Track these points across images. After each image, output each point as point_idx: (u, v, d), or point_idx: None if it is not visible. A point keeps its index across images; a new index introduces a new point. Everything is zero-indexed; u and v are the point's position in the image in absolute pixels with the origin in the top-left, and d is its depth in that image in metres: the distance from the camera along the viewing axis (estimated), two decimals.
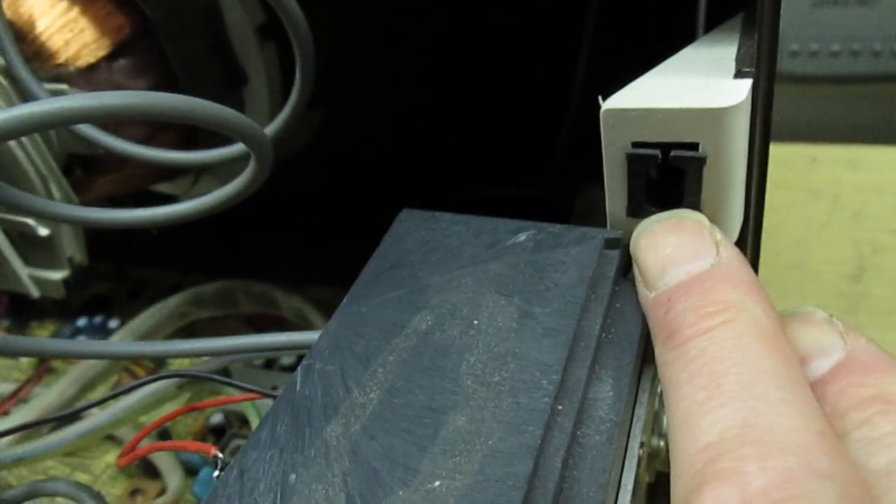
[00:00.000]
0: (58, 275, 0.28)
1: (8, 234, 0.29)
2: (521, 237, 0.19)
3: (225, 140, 0.30)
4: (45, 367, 0.41)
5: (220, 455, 0.19)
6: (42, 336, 0.46)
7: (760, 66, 0.18)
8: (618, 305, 0.18)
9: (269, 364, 0.40)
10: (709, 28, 0.25)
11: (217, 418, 0.38)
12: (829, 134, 0.63)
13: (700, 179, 0.18)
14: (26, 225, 0.27)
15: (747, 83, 0.17)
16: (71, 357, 0.28)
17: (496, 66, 0.39)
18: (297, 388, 0.16)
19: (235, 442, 0.36)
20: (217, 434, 0.38)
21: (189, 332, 0.44)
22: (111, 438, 0.38)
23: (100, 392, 0.42)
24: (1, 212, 0.27)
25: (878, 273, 0.49)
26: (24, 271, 0.29)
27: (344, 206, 0.44)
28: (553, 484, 0.14)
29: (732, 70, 0.18)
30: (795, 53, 0.67)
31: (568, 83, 0.39)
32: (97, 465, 0.38)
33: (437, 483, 0.13)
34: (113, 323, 0.46)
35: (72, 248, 0.28)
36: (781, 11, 0.18)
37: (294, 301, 0.37)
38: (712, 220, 0.19)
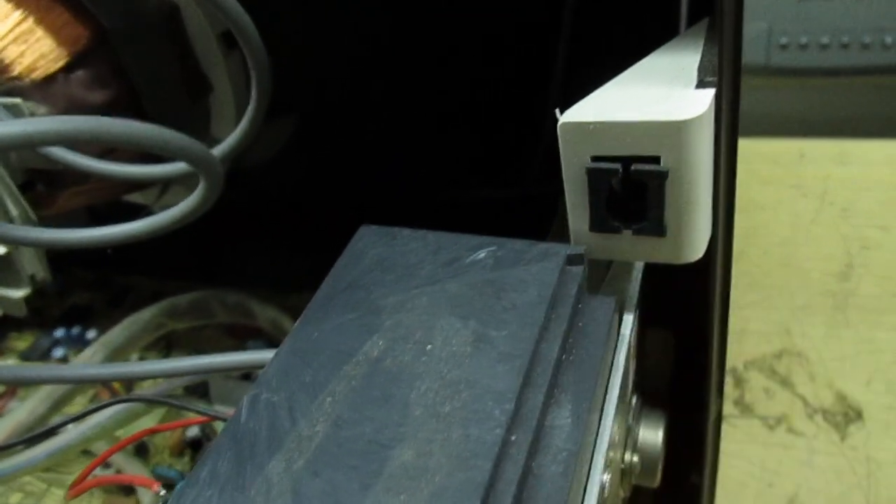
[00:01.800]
0: (18, 293, 0.28)
1: None
2: (481, 254, 0.19)
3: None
4: (13, 387, 0.40)
5: (163, 492, 0.19)
6: (21, 346, 0.45)
7: (723, 74, 0.17)
8: (580, 324, 0.18)
9: (248, 376, 0.39)
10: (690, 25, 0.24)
11: (193, 432, 0.37)
12: (817, 128, 0.62)
13: (663, 193, 0.17)
14: None
15: (709, 93, 0.17)
16: (37, 383, 0.27)
17: (477, 69, 0.39)
18: (242, 420, 0.15)
19: None
20: (194, 447, 0.37)
21: (167, 341, 0.44)
22: (87, 453, 0.38)
23: (75, 408, 0.41)
24: None
25: (866, 270, 0.49)
26: None
27: (325, 211, 0.44)
28: None
29: (694, 80, 0.17)
30: (784, 46, 0.66)
31: (548, 85, 0.39)
32: (71, 479, 0.38)
33: None
34: (91, 333, 0.45)
35: (32, 265, 0.27)
36: (770, 4, 0.17)
37: (269, 311, 0.37)
38: (677, 236, 0.18)
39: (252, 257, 0.46)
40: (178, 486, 0.35)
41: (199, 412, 0.20)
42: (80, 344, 0.45)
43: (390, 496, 0.13)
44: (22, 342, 0.47)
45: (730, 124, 0.18)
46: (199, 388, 0.39)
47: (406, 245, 0.19)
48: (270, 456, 0.14)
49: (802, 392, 0.42)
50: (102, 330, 0.46)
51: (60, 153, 0.26)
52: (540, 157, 0.43)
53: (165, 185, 0.33)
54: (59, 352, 0.44)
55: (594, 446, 0.16)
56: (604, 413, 0.17)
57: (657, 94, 0.17)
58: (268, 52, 0.24)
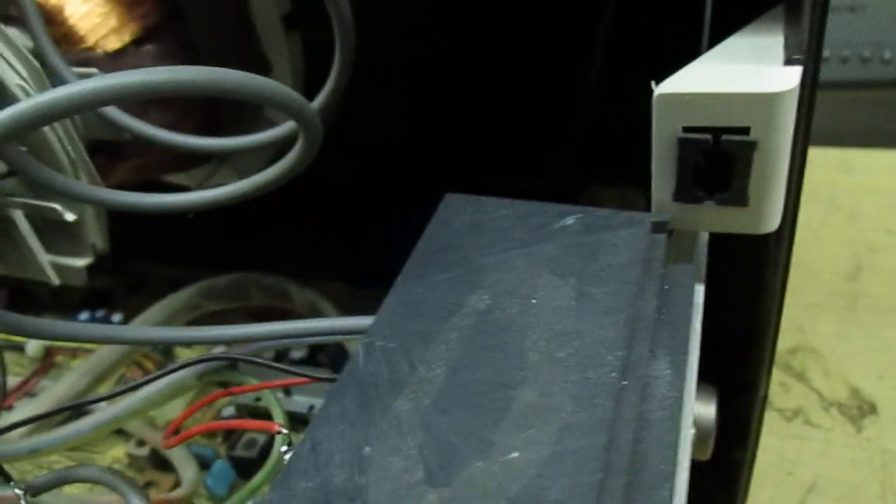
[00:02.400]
0: (81, 262, 0.28)
1: (30, 220, 0.28)
2: (569, 220, 0.19)
3: (247, 129, 0.30)
4: (49, 361, 0.40)
5: (285, 430, 0.19)
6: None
7: (809, 53, 0.18)
8: (667, 288, 0.18)
9: (279, 357, 0.40)
10: (714, 27, 0.25)
11: (228, 411, 0.38)
12: (821, 137, 0.64)
13: (750, 164, 0.18)
14: (52, 210, 0.26)
15: (797, 70, 0.18)
16: (97, 342, 0.27)
17: (507, 63, 0.40)
18: (361, 365, 0.16)
19: (248, 436, 0.36)
20: (228, 427, 0.37)
21: (196, 325, 0.44)
22: (118, 432, 0.38)
23: (108, 386, 0.41)
24: (28, 196, 0.27)
25: (875, 272, 0.50)
26: (45, 258, 0.28)
27: (349, 202, 0.44)
28: (626, 456, 0.14)
29: (780, 58, 0.18)
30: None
31: (579, 82, 0.39)
32: (103, 459, 0.38)
33: (514, 454, 0.14)
34: (116, 317, 0.45)
35: (95, 234, 0.28)
36: None
37: (307, 294, 0.37)
38: (757, 207, 0.19)
39: (273, 247, 0.47)
40: (214, 466, 0.35)
41: (295, 373, 0.20)
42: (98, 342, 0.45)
43: (520, 430, 0.14)
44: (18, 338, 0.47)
45: (808, 103, 0.19)
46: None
47: (494, 211, 0.20)
48: (395, 396, 0.15)
49: (817, 386, 0.44)
50: (127, 314, 0.46)
51: (130, 121, 0.26)
52: (563, 156, 0.43)
53: (214, 169, 0.33)
54: None
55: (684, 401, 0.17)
56: (688, 371, 0.18)
57: (747, 69, 0.18)
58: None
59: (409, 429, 0.14)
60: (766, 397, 0.27)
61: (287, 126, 0.27)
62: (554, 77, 0.41)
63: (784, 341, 0.44)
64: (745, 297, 0.25)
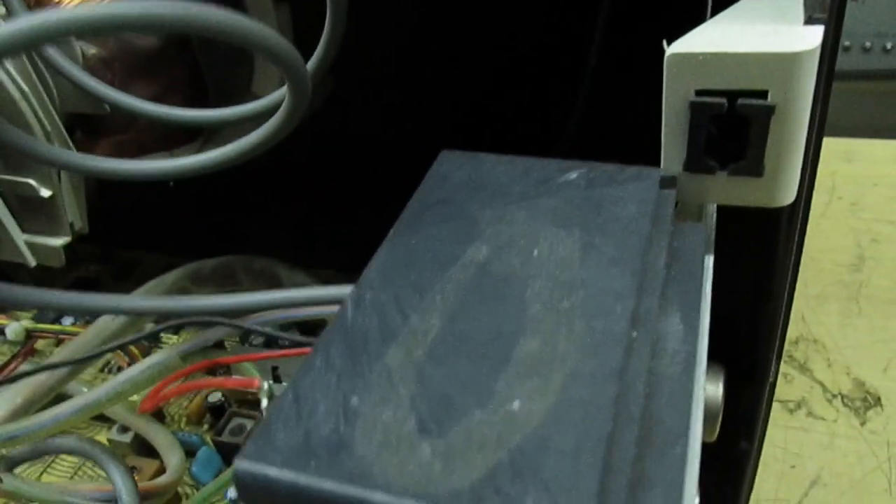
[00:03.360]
0: (58, 241, 0.27)
1: (4, 198, 0.27)
2: (573, 175, 0.18)
3: (235, 102, 0.29)
4: (30, 346, 0.39)
5: (265, 385, 0.18)
6: (24, 319, 0.44)
7: (831, 13, 0.17)
8: (675, 245, 0.17)
9: (269, 343, 0.38)
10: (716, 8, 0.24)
11: (215, 397, 0.36)
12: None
13: (766, 130, 0.17)
14: (27, 186, 0.25)
15: (819, 29, 0.17)
16: (89, 312, 0.26)
17: (503, 59, 0.38)
18: (349, 316, 0.15)
19: (236, 420, 0.35)
20: (216, 413, 0.36)
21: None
22: (98, 418, 0.36)
23: (89, 373, 0.40)
24: (1, 172, 0.25)
25: (878, 262, 0.49)
26: (20, 238, 0.27)
27: (339, 189, 0.43)
28: (637, 409, 0.13)
29: (800, 18, 0.17)
30: None
31: (575, 79, 0.38)
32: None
33: (516, 404, 0.12)
34: None
35: (73, 212, 0.26)
36: None
37: (297, 277, 0.36)
38: (773, 178, 0.18)
39: (262, 234, 0.46)
40: (200, 453, 0.33)
41: (298, 343, 0.19)
42: (90, 314, 0.43)
43: (522, 379, 0.13)
44: (25, 313, 0.45)
45: (828, 67, 0.18)
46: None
47: (493, 167, 0.19)
48: (386, 347, 0.14)
49: (821, 378, 0.42)
50: None
51: (111, 92, 0.25)
52: (563, 144, 0.42)
53: (200, 148, 0.32)
54: (67, 321, 0.43)
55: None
56: (701, 329, 0.17)
57: (765, 29, 0.17)
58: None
59: (400, 379, 0.13)
60: (774, 384, 0.26)
61: (273, 98, 0.26)
62: (550, 74, 0.40)
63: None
64: (754, 275, 0.24)
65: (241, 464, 0.12)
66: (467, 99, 0.40)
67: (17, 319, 0.40)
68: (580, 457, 0.11)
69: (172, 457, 0.31)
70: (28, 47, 0.16)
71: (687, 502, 0.12)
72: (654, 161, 0.19)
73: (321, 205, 0.44)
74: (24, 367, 0.38)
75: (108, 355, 0.38)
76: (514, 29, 0.37)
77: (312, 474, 0.12)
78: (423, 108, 0.39)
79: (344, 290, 0.20)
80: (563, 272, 0.15)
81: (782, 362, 0.44)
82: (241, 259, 0.37)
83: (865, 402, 0.41)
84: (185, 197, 0.43)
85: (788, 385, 0.42)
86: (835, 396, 0.41)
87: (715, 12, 0.23)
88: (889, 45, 0.66)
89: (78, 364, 0.25)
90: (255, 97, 0.32)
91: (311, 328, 0.39)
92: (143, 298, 0.22)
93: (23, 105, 0.23)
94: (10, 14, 0.22)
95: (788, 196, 0.19)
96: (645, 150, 0.20)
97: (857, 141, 0.58)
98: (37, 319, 0.40)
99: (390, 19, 0.34)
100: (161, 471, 0.32)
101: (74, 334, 0.38)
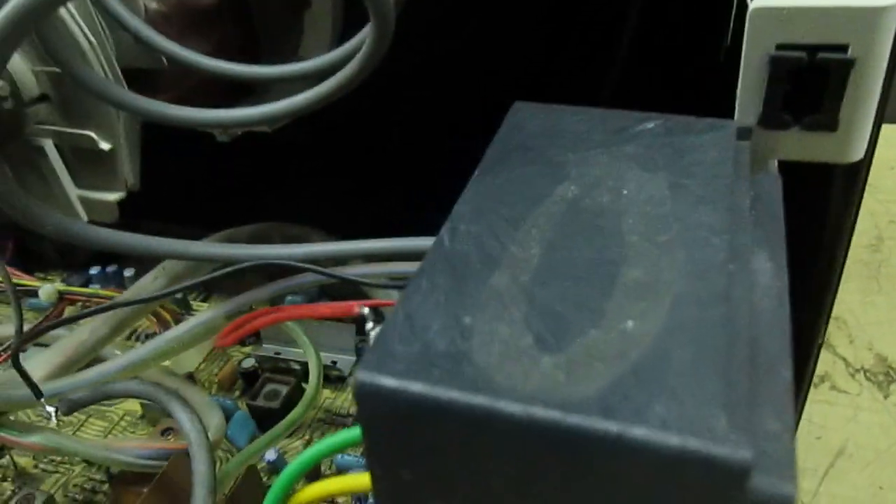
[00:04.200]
0: (112, 196, 0.27)
1: (59, 152, 0.27)
2: (650, 124, 0.19)
3: (286, 61, 0.29)
4: (60, 308, 0.39)
5: (366, 310, 0.18)
6: (55, 282, 0.44)
7: None
8: (753, 193, 0.18)
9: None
10: None
11: (248, 363, 0.37)
12: None
13: (845, 84, 0.18)
14: (87, 138, 0.25)
15: None
16: (169, 256, 0.26)
17: (527, 65, 0.38)
18: (447, 244, 0.15)
19: (270, 386, 0.35)
20: (248, 379, 0.36)
21: (206, 285, 0.43)
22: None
23: (118, 342, 0.40)
24: (61, 124, 0.25)
25: None
26: (74, 192, 0.27)
27: (360, 158, 0.43)
28: (745, 331, 0.13)
29: None
30: None
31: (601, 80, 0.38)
32: (115, 412, 0.37)
33: (630, 323, 0.13)
34: (128, 272, 0.44)
35: (129, 168, 0.27)
36: None
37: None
38: (846, 132, 0.18)
39: (290, 206, 0.46)
40: (235, 415, 0.33)
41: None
42: (117, 282, 0.43)
43: (631, 302, 0.13)
44: (49, 281, 0.45)
45: None
46: None
47: (569, 116, 0.19)
48: (490, 272, 0.14)
49: (843, 353, 0.43)
50: (139, 269, 0.45)
51: (168, 45, 0.25)
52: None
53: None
54: (94, 287, 0.43)
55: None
56: (786, 270, 0.17)
57: None
58: None
59: (510, 300, 0.13)
60: (822, 344, 0.26)
61: (327, 58, 0.26)
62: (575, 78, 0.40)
63: None
64: (809, 237, 0.24)
65: (362, 374, 0.12)
66: (497, 73, 0.40)
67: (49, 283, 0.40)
68: (702, 369, 0.12)
69: (213, 417, 0.31)
70: None
71: (793, 421, 0.12)
72: None
73: (343, 178, 0.44)
74: (56, 330, 0.38)
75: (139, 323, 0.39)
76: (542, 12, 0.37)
77: (436, 383, 0.12)
78: (448, 86, 0.39)
79: (420, 242, 0.20)
80: (655, 208, 0.15)
81: None
82: (277, 226, 0.37)
83: (888, 376, 0.41)
84: (205, 169, 0.43)
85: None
86: (857, 371, 0.42)
87: None
88: None
89: (144, 303, 0.25)
90: (303, 60, 0.32)
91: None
92: (217, 245, 0.22)
93: (91, 56, 0.23)
94: None
95: (859, 152, 0.19)
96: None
97: None
98: (67, 283, 0.40)
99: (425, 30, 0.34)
100: None
101: (106, 298, 0.38)
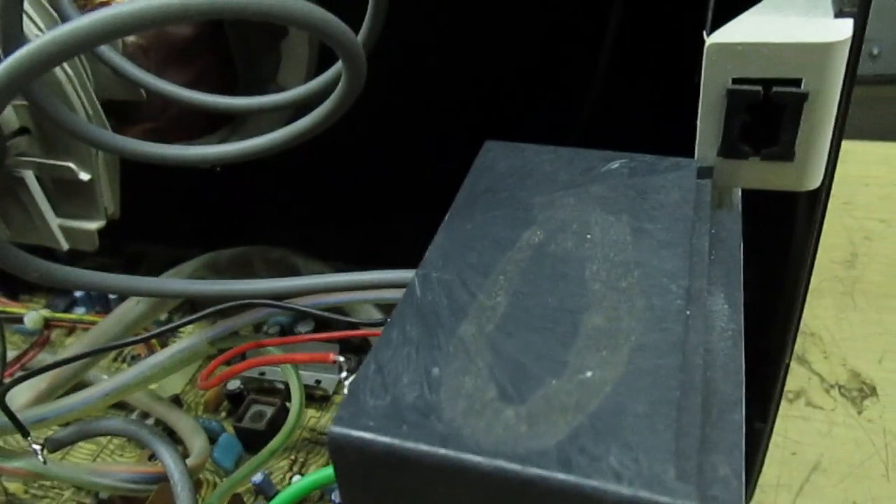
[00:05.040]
0: (93, 225, 0.27)
1: (39, 183, 0.27)
2: (615, 164, 0.19)
3: (261, 93, 0.29)
4: (46, 336, 0.39)
5: (341, 359, 0.19)
6: (39, 308, 0.44)
7: (860, 5, 0.18)
8: (713, 231, 0.18)
9: (283, 332, 0.39)
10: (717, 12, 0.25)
11: (234, 384, 0.37)
12: None
13: (799, 116, 0.18)
14: (67, 169, 0.25)
15: (849, 22, 0.18)
16: (148, 294, 0.26)
17: (513, 71, 0.39)
18: (418, 294, 0.16)
19: (255, 407, 0.35)
20: (234, 401, 0.37)
21: (191, 304, 0.43)
22: (117, 406, 0.37)
23: (107, 361, 0.40)
24: (41, 156, 0.26)
25: (871, 259, 0.51)
26: (54, 221, 0.27)
27: (342, 180, 0.43)
28: (699, 378, 0.14)
29: (830, 11, 0.19)
30: None
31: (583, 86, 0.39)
32: (102, 437, 0.37)
33: (588, 373, 0.13)
34: (113, 294, 0.44)
35: (108, 197, 0.27)
36: None
37: (314, 266, 0.37)
38: (803, 162, 0.19)
39: (276, 228, 0.46)
40: (221, 438, 0.34)
41: (369, 324, 0.20)
42: (102, 304, 0.44)
43: (591, 351, 0.14)
44: (35, 304, 0.45)
45: (854, 59, 0.19)
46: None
47: (537, 156, 0.20)
48: (457, 322, 0.15)
49: (818, 369, 0.44)
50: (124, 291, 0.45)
51: (147, 77, 0.26)
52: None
53: (226, 136, 0.33)
54: (79, 311, 0.43)
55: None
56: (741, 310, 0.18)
57: (798, 21, 0.18)
58: None
59: (476, 351, 0.14)
60: (788, 365, 0.27)
61: (303, 89, 0.27)
62: (560, 72, 0.40)
63: None
64: (776, 257, 0.25)
65: (336, 429, 0.13)
66: (476, 97, 0.40)
67: (33, 310, 0.40)
68: (655, 419, 0.12)
69: (197, 441, 0.32)
70: (89, 46, 0.16)
71: (742, 464, 0.13)
72: (662, 152, 0.20)
73: (324, 200, 0.44)
74: (43, 355, 0.38)
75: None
76: (525, 24, 0.37)
77: (406, 438, 0.12)
78: (431, 105, 0.39)
79: (377, 275, 0.21)
80: (617, 254, 0.16)
81: None
82: (258, 249, 0.38)
83: (862, 392, 0.42)
84: (189, 190, 0.44)
85: (787, 376, 0.44)
86: (832, 387, 0.43)
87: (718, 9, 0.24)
88: (876, 51, 0.68)
89: (100, 353, 0.26)
90: (280, 89, 0.32)
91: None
92: (189, 282, 0.22)
93: (68, 88, 0.23)
94: (62, 16, 0.23)
95: (816, 180, 0.20)
96: (651, 145, 0.21)
97: (849, 143, 0.59)
98: (53, 308, 0.41)
99: (404, 17, 0.35)
100: (185, 456, 0.33)
101: (91, 323, 0.39)
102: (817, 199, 0.22)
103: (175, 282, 0.23)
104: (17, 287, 0.47)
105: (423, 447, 0.12)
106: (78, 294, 0.44)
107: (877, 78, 0.71)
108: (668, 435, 0.12)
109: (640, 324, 0.14)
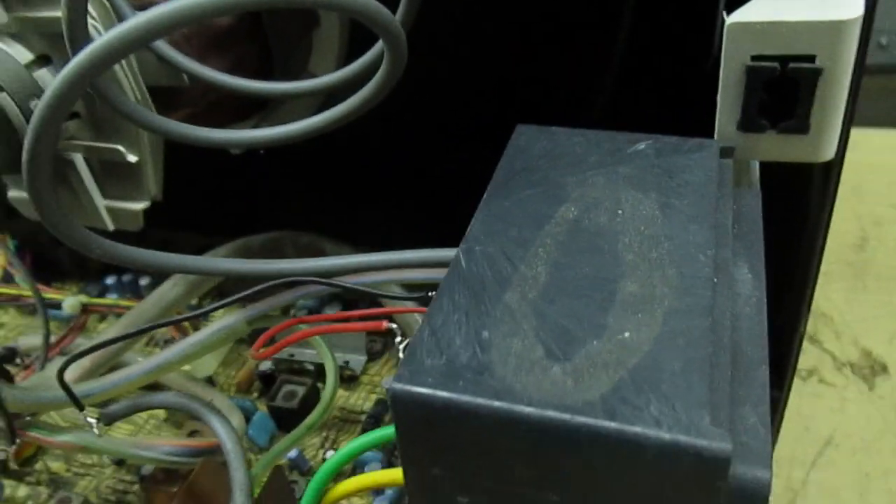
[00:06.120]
0: (138, 206, 0.29)
1: (88, 164, 0.29)
2: (641, 146, 0.20)
3: (296, 78, 0.30)
4: (83, 320, 0.41)
5: (394, 325, 0.20)
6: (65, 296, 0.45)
7: None
8: (735, 208, 0.20)
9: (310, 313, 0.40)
10: None
11: (266, 365, 0.38)
12: None
13: (814, 91, 0.19)
14: (115, 151, 0.27)
15: (861, 1, 0.19)
16: (201, 273, 0.27)
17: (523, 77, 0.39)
18: (464, 266, 0.17)
19: (287, 387, 0.37)
20: (266, 381, 0.38)
21: (219, 290, 0.44)
22: (151, 387, 0.38)
23: (140, 344, 0.41)
24: (90, 139, 0.27)
25: (880, 243, 0.52)
26: (101, 203, 0.29)
27: (364, 167, 0.44)
28: (727, 339, 0.15)
29: None
30: None
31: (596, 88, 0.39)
32: (139, 416, 0.38)
33: (626, 335, 0.15)
34: (143, 280, 0.45)
35: (153, 179, 0.28)
36: None
37: (344, 251, 0.38)
38: (817, 134, 0.20)
39: (301, 215, 0.47)
40: (255, 417, 0.35)
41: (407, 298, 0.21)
42: (133, 290, 0.45)
43: (628, 315, 0.15)
44: (66, 293, 0.47)
45: (865, 36, 0.20)
46: None
47: (568, 139, 0.21)
48: (502, 291, 0.16)
49: (830, 348, 0.45)
50: (154, 278, 0.46)
51: (189, 63, 0.27)
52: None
53: (259, 123, 0.34)
54: (112, 297, 0.45)
55: None
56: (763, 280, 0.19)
57: (812, 0, 0.19)
58: None
59: (521, 316, 0.15)
60: (804, 335, 0.28)
61: (339, 75, 0.28)
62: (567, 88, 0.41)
63: None
64: (790, 232, 0.26)
65: (398, 385, 0.14)
66: (493, 88, 0.41)
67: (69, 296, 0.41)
68: (689, 375, 0.14)
69: (233, 418, 0.33)
70: (150, 39, 0.17)
71: (768, 416, 0.14)
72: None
73: (345, 187, 0.45)
74: (79, 340, 0.40)
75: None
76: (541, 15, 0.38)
77: (462, 392, 0.14)
78: (446, 98, 0.40)
79: (420, 254, 0.22)
80: (647, 228, 0.17)
81: None
82: (288, 234, 0.39)
83: (873, 369, 0.43)
84: (215, 177, 0.45)
85: (801, 355, 0.45)
86: (844, 365, 0.44)
87: None
88: (885, 41, 0.69)
89: (143, 332, 0.27)
90: (312, 76, 0.33)
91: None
92: (243, 262, 0.24)
93: (121, 76, 0.25)
94: (117, 13, 0.24)
95: (830, 151, 0.21)
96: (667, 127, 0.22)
97: (858, 130, 0.60)
98: (84, 293, 0.42)
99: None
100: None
101: (126, 308, 0.40)
102: (831, 172, 0.24)
103: (230, 261, 0.25)
104: (49, 275, 0.48)
105: (479, 401, 0.13)
106: (110, 281, 0.46)
107: (886, 68, 0.71)
108: (702, 388, 0.13)
109: (671, 290, 0.15)
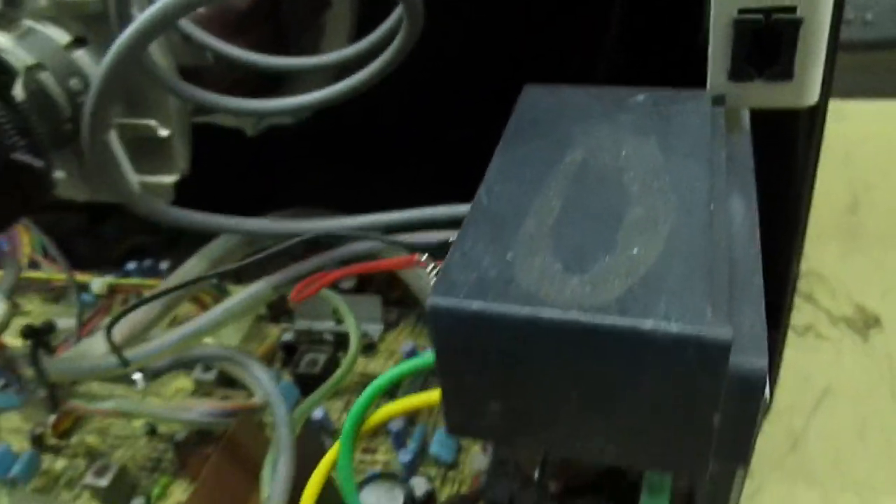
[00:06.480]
0: (169, 179, 0.30)
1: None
2: (640, 97, 0.22)
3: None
4: (111, 300, 0.42)
5: (423, 257, 0.22)
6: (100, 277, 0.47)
7: None
8: (727, 150, 0.21)
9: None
10: None
11: (288, 336, 0.40)
12: None
13: (796, 39, 0.21)
14: (148, 127, 0.29)
15: None
16: (275, 235, 0.28)
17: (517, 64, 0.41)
18: (485, 202, 0.19)
19: (309, 356, 0.39)
20: (289, 351, 0.40)
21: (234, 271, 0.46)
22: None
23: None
24: (122, 115, 0.29)
25: (871, 206, 0.54)
26: (134, 178, 0.31)
27: (393, 143, 0.46)
28: (724, 254, 0.17)
29: None
30: None
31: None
32: (167, 389, 0.40)
33: (635, 250, 0.16)
34: (164, 264, 0.47)
35: (181, 153, 0.30)
36: None
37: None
38: (801, 80, 0.22)
39: (307, 194, 0.49)
40: (280, 384, 0.36)
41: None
42: (154, 275, 0.47)
43: (636, 234, 0.17)
44: (86, 276, 0.48)
45: None
46: None
47: (572, 95, 0.23)
48: (522, 220, 0.18)
49: (826, 305, 0.47)
50: (173, 262, 0.48)
51: (216, 44, 0.29)
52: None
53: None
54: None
55: None
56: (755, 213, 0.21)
57: None
58: None
59: (541, 239, 0.17)
60: (797, 276, 0.30)
61: (356, 47, 0.30)
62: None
63: None
64: (780, 175, 0.28)
65: (434, 298, 0.16)
66: (502, 55, 0.43)
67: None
68: (693, 279, 0.15)
69: (263, 378, 0.35)
70: (191, 9, 0.19)
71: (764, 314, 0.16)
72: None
73: (350, 164, 0.47)
74: (106, 320, 0.41)
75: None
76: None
77: (492, 301, 0.15)
78: (447, 72, 0.42)
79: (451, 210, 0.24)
80: (649, 163, 0.19)
81: None
82: (305, 211, 0.40)
83: (866, 323, 0.45)
84: (224, 162, 0.46)
85: (797, 312, 0.47)
86: (839, 320, 0.46)
87: None
88: (869, 17, 0.70)
89: (190, 285, 0.29)
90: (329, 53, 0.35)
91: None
92: (317, 221, 0.25)
93: (157, 54, 0.26)
94: None
95: (813, 96, 0.23)
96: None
97: (847, 102, 0.62)
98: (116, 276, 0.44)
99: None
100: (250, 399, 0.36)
101: (152, 286, 0.42)
102: (815, 118, 0.25)
103: (304, 222, 0.26)
104: (70, 261, 0.50)
105: (508, 307, 0.15)
106: (130, 266, 0.48)
107: (870, 44, 0.73)
108: (704, 289, 0.15)
109: (673, 213, 0.17)
